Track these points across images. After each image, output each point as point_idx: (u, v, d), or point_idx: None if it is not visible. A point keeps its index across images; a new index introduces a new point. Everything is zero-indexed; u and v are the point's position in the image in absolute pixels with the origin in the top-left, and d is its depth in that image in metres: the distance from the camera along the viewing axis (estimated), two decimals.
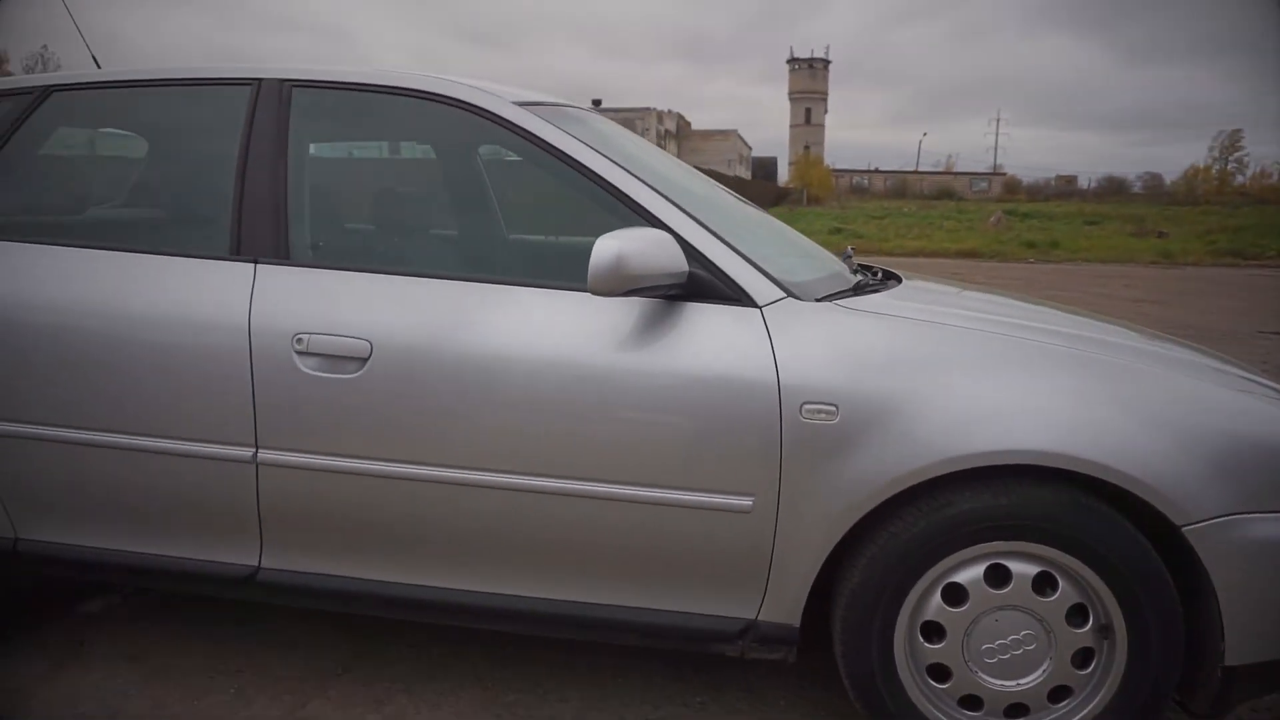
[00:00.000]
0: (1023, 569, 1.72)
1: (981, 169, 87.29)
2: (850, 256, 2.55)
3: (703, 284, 1.82)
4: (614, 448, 1.79)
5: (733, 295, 1.82)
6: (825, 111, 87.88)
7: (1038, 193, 71.88)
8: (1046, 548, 1.69)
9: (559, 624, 1.92)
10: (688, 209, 1.91)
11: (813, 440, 1.72)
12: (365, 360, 1.85)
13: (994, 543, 1.71)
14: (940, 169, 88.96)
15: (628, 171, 1.93)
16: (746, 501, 1.76)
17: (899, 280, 2.35)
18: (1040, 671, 1.74)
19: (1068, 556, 1.69)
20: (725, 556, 1.80)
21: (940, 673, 1.79)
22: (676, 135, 65.10)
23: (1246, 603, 1.65)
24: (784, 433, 1.73)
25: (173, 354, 1.94)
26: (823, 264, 2.27)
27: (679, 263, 1.76)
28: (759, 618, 1.84)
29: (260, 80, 2.11)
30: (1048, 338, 1.84)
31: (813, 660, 2.07)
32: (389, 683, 2.15)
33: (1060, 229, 24.60)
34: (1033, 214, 32.14)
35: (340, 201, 2.33)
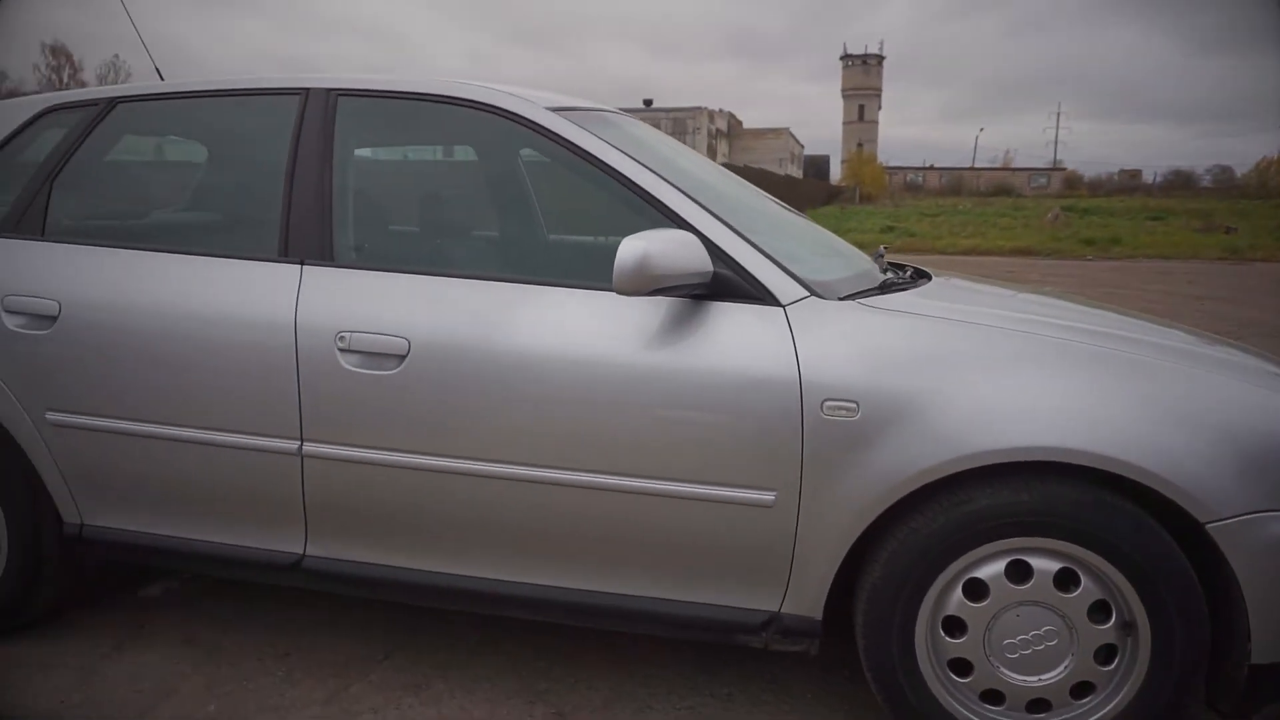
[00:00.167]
0: (1044, 565, 1.73)
1: (1041, 164, 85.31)
2: (881, 255, 2.57)
3: (728, 283, 1.86)
4: (640, 443, 1.84)
5: (757, 294, 1.86)
6: (879, 108, 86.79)
7: (1100, 188, 69.98)
8: (1068, 544, 1.70)
9: (588, 614, 1.98)
10: (714, 210, 1.96)
11: (834, 437, 1.75)
12: (403, 357, 1.94)
13: (1015, 539, 1.72)
14: (997, 165, 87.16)
15: (655, 174, 1.98)
16: (769, 496, 1.80)
17: (929, 278, 2.36)
18: (1062, 667, 1.75)
19: (1089, 553, 1.69)
20: (748, 550, 1.84)
21: (962, 667, 1.80)
22: (728, 134, 64.90)
23: (1273, 601, 1.64)
24: (805, 429, 1.76)
25: (225, 351, 2.05)
26: (850, 263, 2.29)
27: (704, 263, 1.81)
28: (782, 610, 1.87)
29: (308, 90, 2.21)
30: (1073, 335, 1.84)
31: (838, 653, 2.10)
32: (428, 669, 2.24)
33: (1122, 225, 23.92)
34: (1093, 210, 31.27)
35: (381, 205, 2.42)
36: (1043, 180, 74.44)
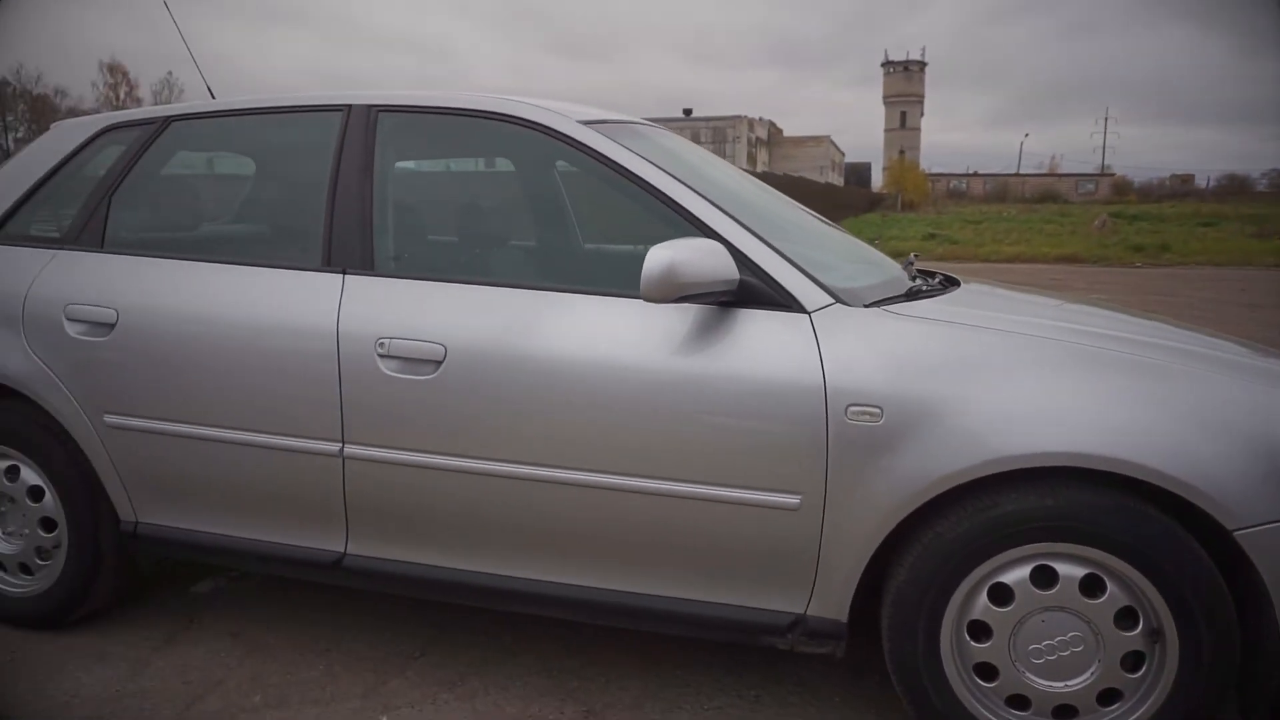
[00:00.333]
0: (1069, 571, 1.73)
1: (1088, 170, 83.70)
2: (911, 263, 2.58)
3: (754, 291, 1.90)
4: (668, 446, 1.89)
5: (783, 301, 1.89)
6: (921, 115, 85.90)
7: (1150, 193, 68.35)
8: (1094, 550, 1.70)
9: (619, 614, 2.02)
10: (741, 218, 2.00)
11: (858, 441, 1.78)
12: (440, 363, 2.01)
13: (1040, 544, 1.73)
14: (1043, 171, 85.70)
15: (683, 184, 2.03)
16: (794, 499, 1.83)
17: (957, 285, 2.37)
18: (1089, 674, 1.75)
19: (1115, 559, 1.69)
20: (774, 552, 1.88)
21: (987, 671, 1.81)
22: (768, 143, 64.78)
23: None
24: (830, 434, 1.79)
25: (271, 357, 2.14)
26: (877, 271, 2.31)
27: (730, 271, 1.85)
28: (807, 612, 1.90)
29: (350, 106, 2.30)
30: (1098, 341, 1.84)
31: (867, 657, 2.12)
32: (463, 666, 2.30)
33: (1172, 231, 23.37)
34: (1142, 216, 30.56)
35: (420, 216, 2.50)
36: (1090, 186, 73.01)
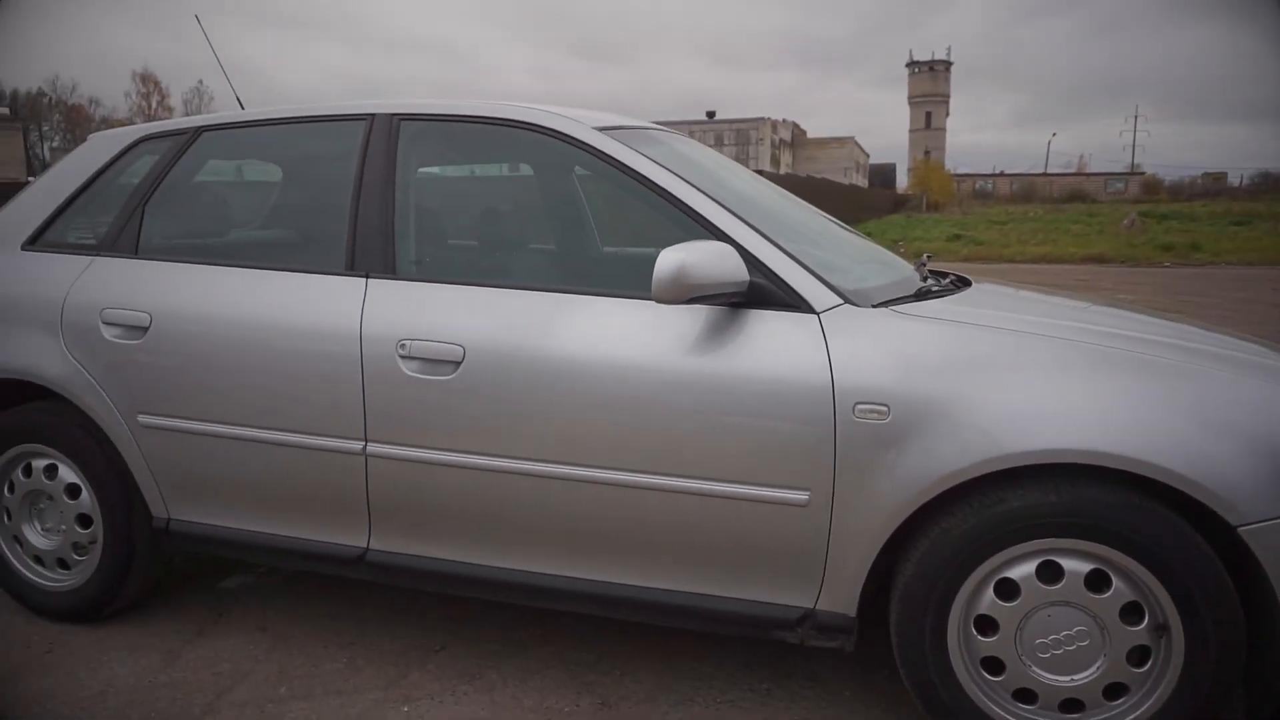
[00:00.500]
0: (1075, 566, 1.76)
1: (1118, 169, 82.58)
2: (924, 264, 2.60)
3: (764, 292, 1.94)
4: (680, 444, 1.93)
5: (792, 302, 1.93)
6: (946, 115, 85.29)
7: (1181, 192, 67.32)
8: (1099, 545, 1.73)
9: (633, 608, 2.07)
10: (752, 221, 2.04)
11: (865, 439, 1.82)
12: (459, 363, 2.07)
13: (1046, 539, 1.75)
14: (1071, 170, 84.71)
15: (695, 188, 2.08)
16: (803, 496, 1.87)
17: (968, 285, 2.40)
18: (1095, 668, 1.77)
19: (1121, 554, 1.72)
20: (784, 547, 1.91)
21: (994, 665, 1.84)
22: (791, 144, 64.60)
23: None
24: (838, 431, 1.83)
25: (297, 358, 2.21)
26: (888, 271, 2.35)
27: (739, 272, 1.89)
28: (817, 607, 1.94)
29: (373, 115, 2.37)
30: (1106, 340, 1.86)
31: (877, 652, 2.15)
32: (482, 660, 2.36)
33: (1203, 230, 23.02)
34: (1172, 215, 30.11)
35: (440, 221, 2.56)
36: (1119, 185, 72.04)
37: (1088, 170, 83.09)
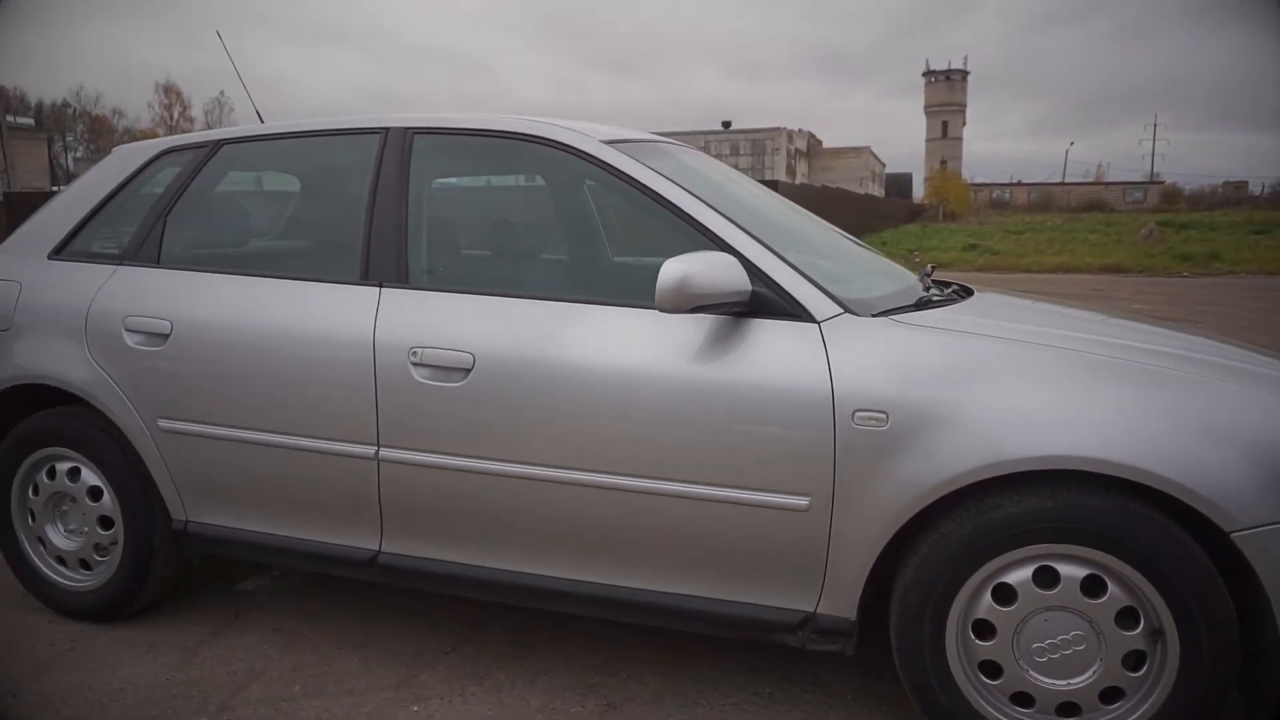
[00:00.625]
0: (1071, 571, 1.78)
1: (1137, 178, 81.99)
2: (928, 274, 2.64)
3: (766, 301, 1.99)
4: (684, 450, 1.98)
5: (793, 311, 1.97)
6: (963, 124, 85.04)
7: (1201, 201, 66.81)
8: (1094, 551, 1.75)
9: (637, 610, 2.11)
10: (755, 232, 2.09)
11: (864, 445, 1.85)
12: (469, 371, 2.12)
13: (1041, 545, 1.78)
14: (1089, 179, 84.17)
15: (699, 199, 2.12)
16: (803, 501, 1.91)
17: (970, 295, 2.43)
18: (1091, 672, 1.80)
19: (1115, 560, 1.74)
20: (785, 551, 1.95)
21: (992, 669, 1.87)
22: (807, 154, 64.61)
23: None
24: (837, 438, 1.87)
25: (312, 365, 2.27)
26: (890, 281, 2.38)
27: (742, 282, 1.94)
28: (817, 610, 1.97)
29: (388, 129, 2.44)
30: (1102, 348, 1.89)
31: (879, 655, 2.18)
32: (490, 662, 2.40)
33: (1222, 240, 22.84)
34: (1191, 224, 29.90)
35: (451, 231, 2.62)
36: (1138, 194, 71.55)
37: (1106, 179, 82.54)
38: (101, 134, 62.31)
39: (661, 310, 1.90)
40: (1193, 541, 1.72)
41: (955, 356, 1.87)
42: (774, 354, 1.94)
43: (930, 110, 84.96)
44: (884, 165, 75.92)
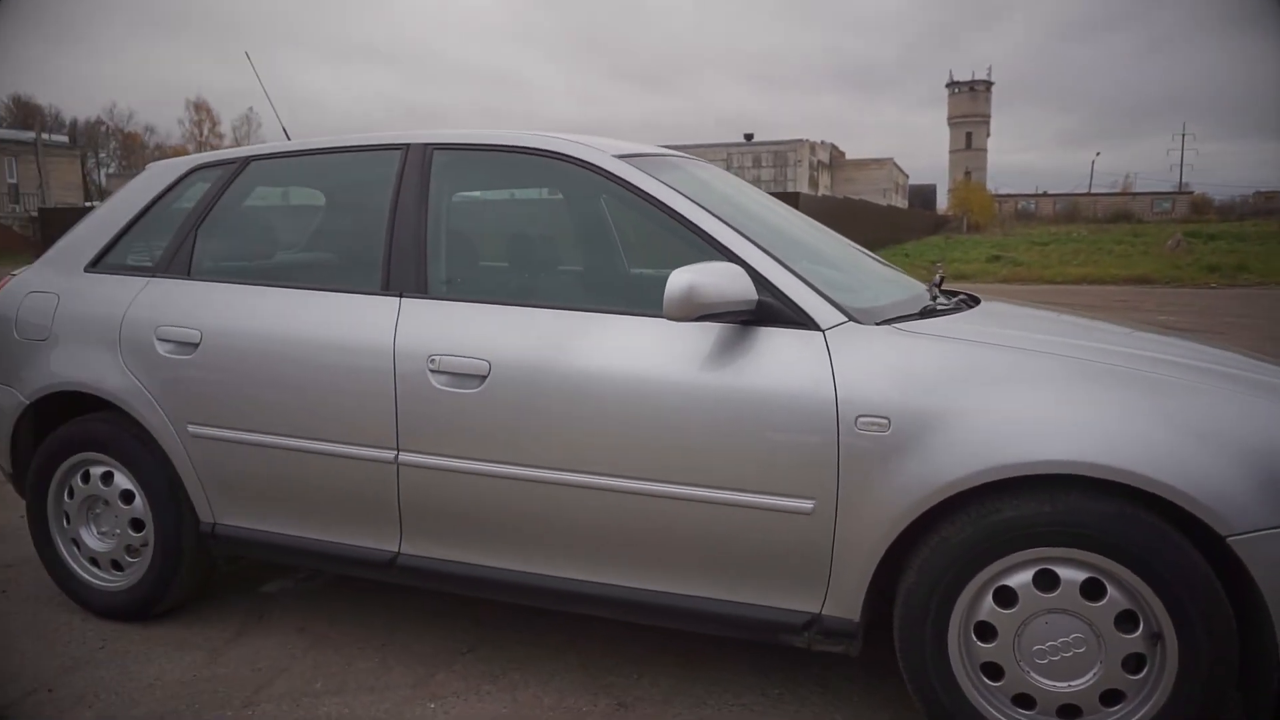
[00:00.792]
0: (1071, 574, 1.82)
1: (1166, 189, 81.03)
2: (936, 284, 2.68)
3: (772, 310, 2.04)
4: (693, 454, 2.03)
5: (798, 320, 2.03)
6: (988, 135, 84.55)
7: (1231, 212, 65.90)
8: (1093, 554, 1.79)
9: (648, 611, 2.16)
10: (762, 243, 2.15)
11: (867, 450, 1.90)
12: (485, 377, 2.19)
13: (1041, 548, 1.82)
14: (1116, 190, 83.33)
15: (708, 211, 2.19)
16: (808, 504, 1.96)
17: (977, 303, 2.47)
18: (1091, 674, 1.83)
19: (1114, 564, 1.78)
20: (790, 553, 2.00)
21: (994, 671, 1.90)
22: (830, 166, 64.55)
23: None
24: (841, 443, 1.92)
25: (335, 372, 2.36)
26: (895, 290, 2.43)
27: (748, 292, 2.00)
28: (822, 612, 2.02)
29: (409, 145, 2.53)
30: (1102, 356, 1.93)
31: (885, 658, 2.21)
32: (506, 662, 2.47)
33: (1251, 250, 22.53)
34: (1220, 235, 29.51)
35: (469, 243, 2.70)
36: (1166, 205, 70.77)
37: (1134, 190, 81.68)
38: (133, 150, 63.57)
39: (669, 318, 1.97)
40: (1191, 546, 1.75)
41: (956, 363, 1.92)
42: (780, 361, 1.99)
43: (954, 121, 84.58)
44: (907, 177, 75.68)
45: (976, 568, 1.86)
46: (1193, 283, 16.66)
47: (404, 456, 2.29)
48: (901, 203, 64.41)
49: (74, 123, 61.54)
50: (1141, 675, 1.82)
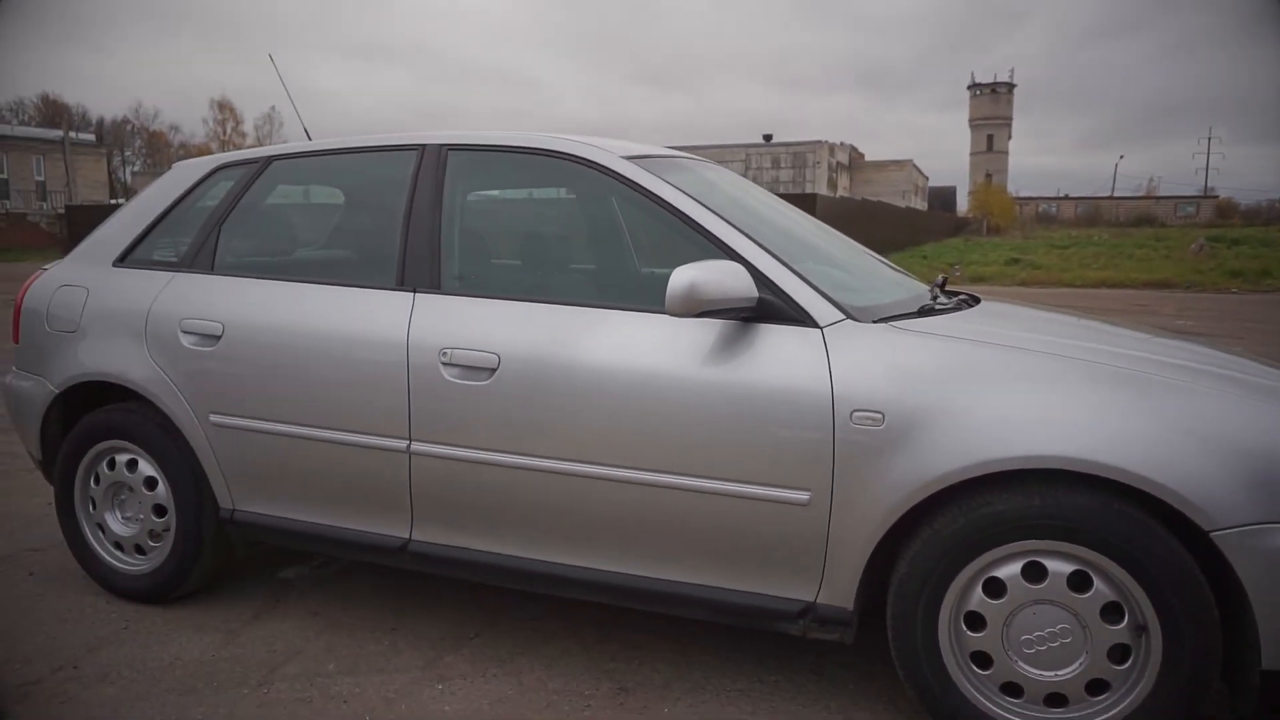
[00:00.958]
0: (1058, 567, 1.87)
1: (1191, 192, 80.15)
2: (940, 284, 2.72)
3: (772, 307, 2.11)
4: (693, 446, 2.10)
5: (798, 317, 2.09)
6: (1009, 137, 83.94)
7: (1257, 216, 65.10)
8: (1079, 547, 1.84)
9: (647, 598, 2.23)
10: (764, 242, 2.21)
11: (862, 444, 1.96)
12: (494, 370, 2.27)
13: (1029, 541, 1.87)
14: (1139, 193, 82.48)
15: (712, 211, 2.26)
16: (804, 495, 2.02)
17: (977, 303, 2.53)
18: (1077, 664, 1.88)
19: (1100, 556, 1.83)
20: (787, 543, 2.06)
21: (983, 660, 1.96)
22: (849, 167, 64.29)
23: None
24: (836, 437, 1.98)
25: (351, 364, 2.44)
26: (895, 290, 2.49)
27: (748, 289, 2.06)
28: (817, 600, 2.08)
29: (424, 145, 2.61)
30: (1094, 355, 1.98)
31: (880, 648, 2.27)
32: (512, 646, 2.54)
33: (1276, 256, 22.27)
34: (1244, 239, 29.15)
35: (481, 241, 2.78)
36: (1190, 209, 70.00)
37: (1157, 193, 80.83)
38: (158, 149, 64.39)
39: (671, 314, 2.03)
40: (1175, 540, 1.79)
41: (949, 360, 1.97)
42: (779, 356, 2.06)
43: (975, 124, 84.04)
44: (927, 179, 75.22)
45: (967, 559, 1.92)
46: (1214, 288, 16.54)
47: (416, 446, 2.37)
48: (921, 205, 64.09)
49: (100, 121, 62.43)
50: (1126, 665, 1.87)
